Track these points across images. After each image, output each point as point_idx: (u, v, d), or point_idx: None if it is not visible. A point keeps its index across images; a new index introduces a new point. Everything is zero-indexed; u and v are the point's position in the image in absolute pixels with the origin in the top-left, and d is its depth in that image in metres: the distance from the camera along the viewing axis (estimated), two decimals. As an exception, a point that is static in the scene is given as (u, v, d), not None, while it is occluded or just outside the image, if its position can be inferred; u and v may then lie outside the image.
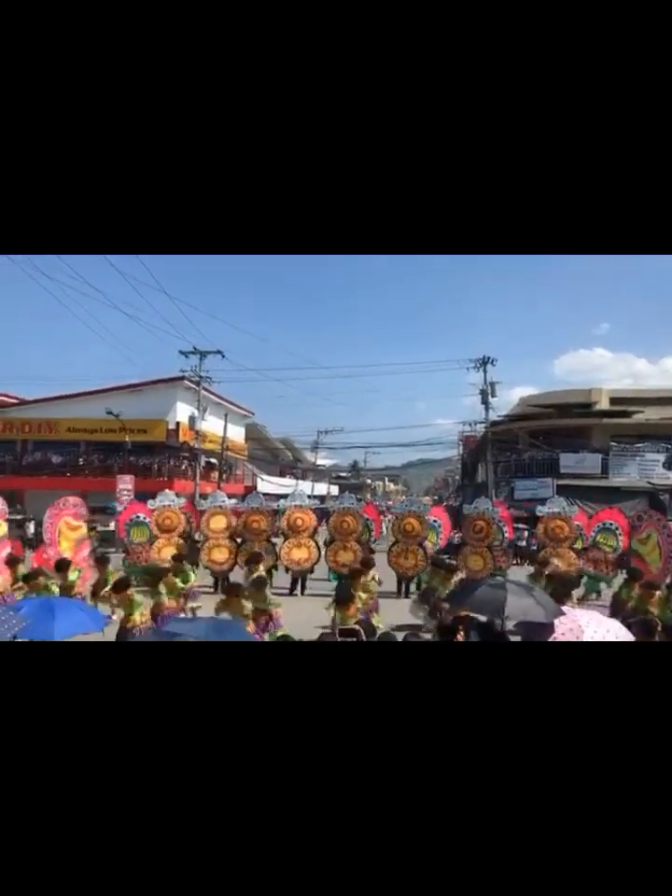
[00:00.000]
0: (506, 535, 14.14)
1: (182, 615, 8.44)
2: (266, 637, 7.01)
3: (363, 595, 7.73)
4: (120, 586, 7.45)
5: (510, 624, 4.89)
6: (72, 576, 9.40)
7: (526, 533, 20.40)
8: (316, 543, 14.01)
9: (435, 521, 14.52)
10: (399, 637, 4.74)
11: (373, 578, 8.74)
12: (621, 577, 11.45)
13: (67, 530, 10.59)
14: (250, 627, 6.57)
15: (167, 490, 14.31)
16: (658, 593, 7.80)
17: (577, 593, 9.88)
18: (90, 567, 9.84)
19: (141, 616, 7.38)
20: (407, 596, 12.40)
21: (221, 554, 13.57)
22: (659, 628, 4.91)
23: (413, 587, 13.32)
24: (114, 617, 7.94)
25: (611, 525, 13.21)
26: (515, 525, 22.18)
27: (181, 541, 12.84)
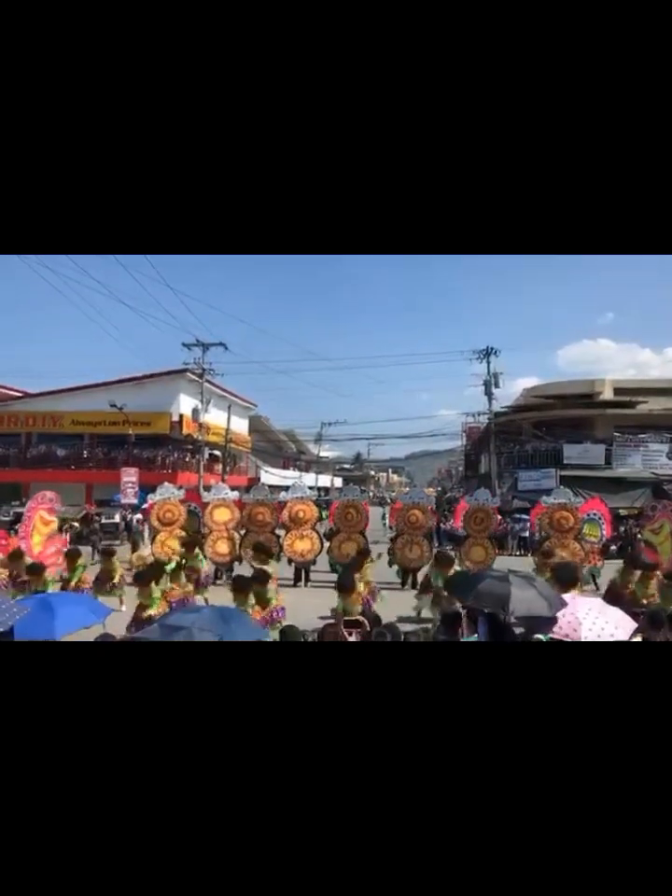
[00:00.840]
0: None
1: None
2: (270, 629, 7.05)
3: (362, 585, 7.81)
4: (142, 579, 7.49)
5: (512, 617, 4.90)
6: (80, 566, 9.45)
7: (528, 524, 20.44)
8: (319, 534, 14.06)
9: None
10: (403, 628, 4.76)
11: (371, 561, 8.81)
12: (609, 565, 11.49)
13: (41, 524, 10.58)
14: (256, 614, 6.59)
15: (166, 483, 14.32)
16: (657, 576, 7.78)
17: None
18: (57, 563, 9.83)
19: (157, 610, 7.42)
20: (413, 588, 12.42)
21: (224, 547, 13.62)
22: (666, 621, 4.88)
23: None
24: (123, 608, 7.98)
25: (595, 515, 13.32)
26: (517, 515, 22.41)
27: (183, 534, 12.85)
